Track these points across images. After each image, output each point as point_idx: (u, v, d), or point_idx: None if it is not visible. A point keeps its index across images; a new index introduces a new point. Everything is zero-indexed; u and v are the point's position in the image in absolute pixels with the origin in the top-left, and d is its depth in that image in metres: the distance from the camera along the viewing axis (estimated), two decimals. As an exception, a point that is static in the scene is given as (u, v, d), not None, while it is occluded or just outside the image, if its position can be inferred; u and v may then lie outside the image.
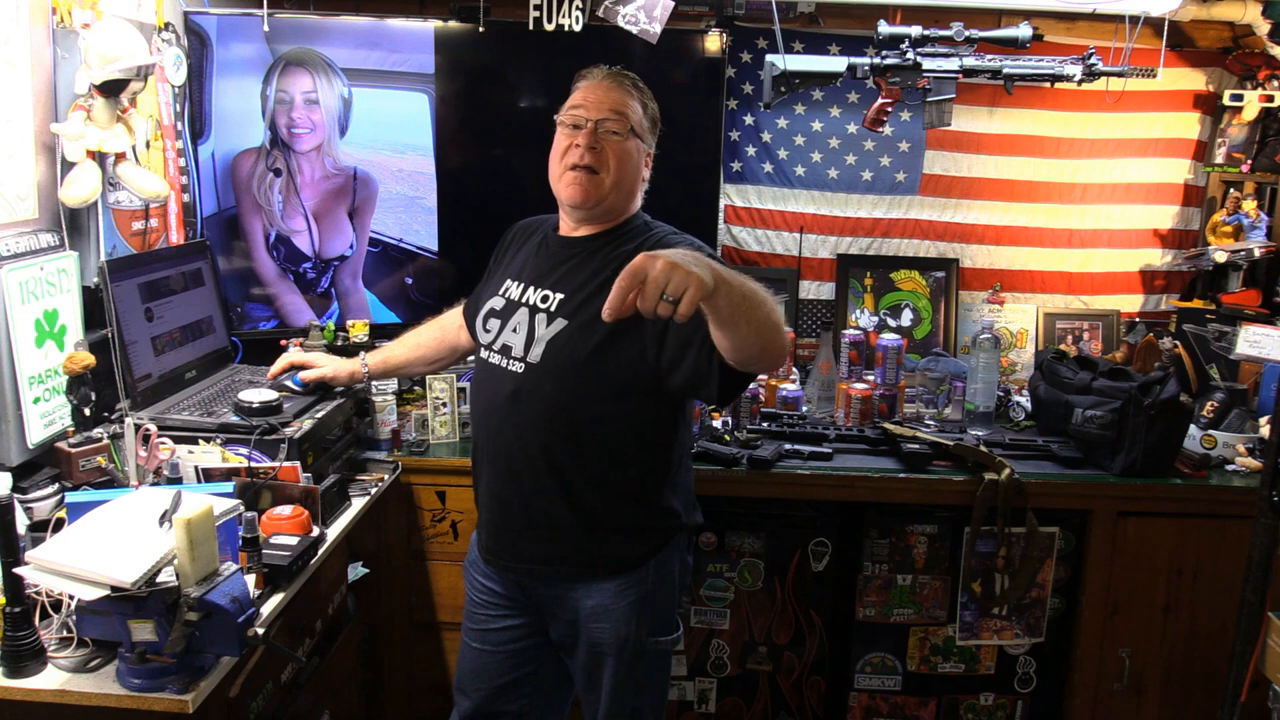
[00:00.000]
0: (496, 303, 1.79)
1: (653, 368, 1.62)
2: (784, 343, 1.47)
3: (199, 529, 1.37)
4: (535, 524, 1.72)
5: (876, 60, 2.56)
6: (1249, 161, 2.95)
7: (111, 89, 2.03)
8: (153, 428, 1.92)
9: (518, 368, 1.69)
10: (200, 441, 1.95)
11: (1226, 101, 2.91)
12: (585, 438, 1.67)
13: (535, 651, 1.85)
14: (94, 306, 2.04)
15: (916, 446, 2.35)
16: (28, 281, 1.87)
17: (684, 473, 1.82)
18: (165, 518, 1.46)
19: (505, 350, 1.72)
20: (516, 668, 1.84)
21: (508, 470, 1.73)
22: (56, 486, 1.82)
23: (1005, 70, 2.55)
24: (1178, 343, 2.82)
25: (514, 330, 1.72)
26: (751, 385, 2.38)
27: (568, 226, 1.79)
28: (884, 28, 2.53)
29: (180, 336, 2.23)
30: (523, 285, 1.76)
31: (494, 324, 1.77)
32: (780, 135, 3.02)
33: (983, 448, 2.36)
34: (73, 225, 2.06)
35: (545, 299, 1.71)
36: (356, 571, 2.19)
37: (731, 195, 3.05)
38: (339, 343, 2.65)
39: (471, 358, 2.57)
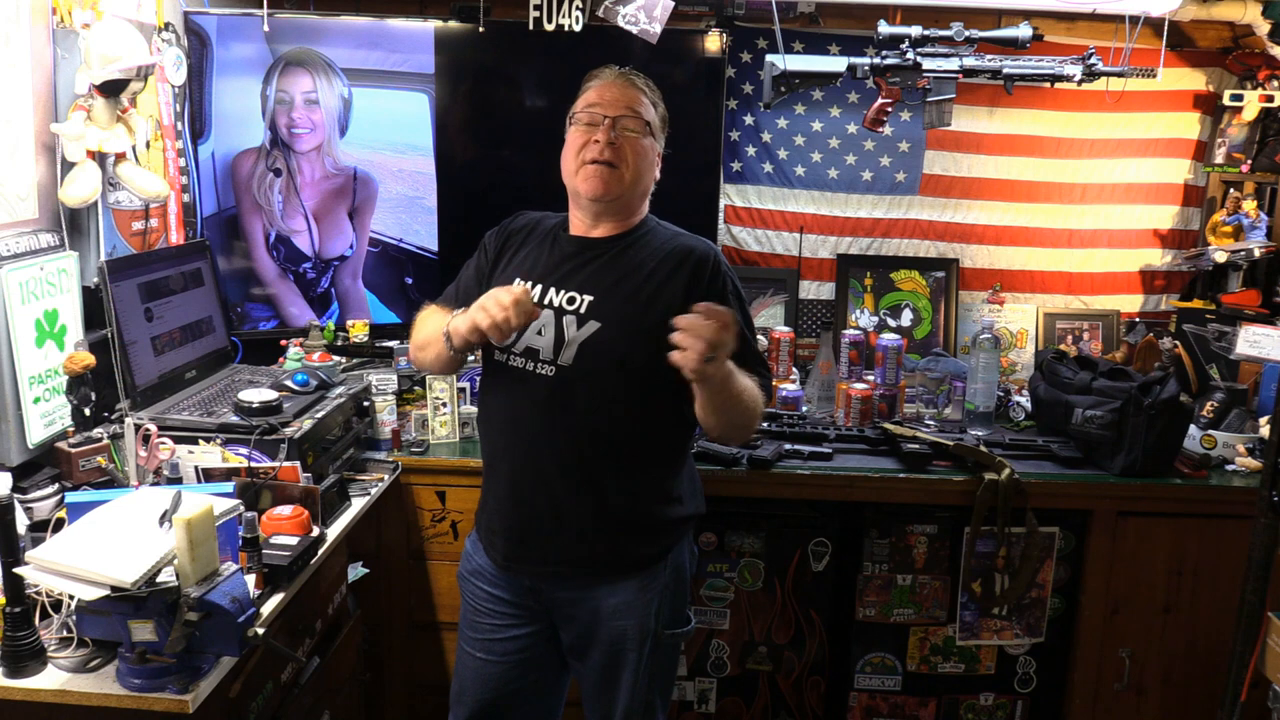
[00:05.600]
0: None
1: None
2: (747, 433, 1.77)
3: (199, 529, 1.37)
4: (564, 527, 1.70)
5: (876, 60, 2.56)
6: (1249, 161, 2.94)
7: (111, 89, 2.03)
8: (153, 428, 1.92)
9: (548, 370, 1.66)
10: (200, 441, 1.95)
11: (1226, 101, 2.91)
12: (618, 437, 1.66)
13: (540, 660, 1.83)
14: (94, 306, 2.04)
15: (916, 446, 2.35)
16: (28, 281, 1.88)
17: (690, 460, 1.84)
18: (165, 518, 1.46)
19: (531, 354, 1.68)
20: (521, 676, 1.82)
21: (536, 474, 1.70)
22: (56, 486, 1.82)
23: (1005, 70, 2.55)
24: (1178, 343, 2.82)
25: (538, 333, 1.68)
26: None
27: (582, 226, 1.76)
28: (884, 28, 2.53)
29: (180, 336, 2.23)
30: (540, 287, 1.72)
31: None
32: (780, 135, 3.02)
33: (983, 448, 2.36)
34: (73, 225, 2.06)
35: (572, 300, 1.69)
36: (356, 571, 2.19)
37: (731, 195, 3.05)
38: (339, 343, 2.65)
39: (471, 360, 2.56)
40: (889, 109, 2.61)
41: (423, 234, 2.76)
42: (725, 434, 1.72)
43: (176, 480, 1.86)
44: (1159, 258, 3.11)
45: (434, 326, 1.75)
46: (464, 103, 2.73)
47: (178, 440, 1.94)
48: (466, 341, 1.62)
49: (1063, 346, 2.97)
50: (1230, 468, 2.41)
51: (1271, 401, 2.53)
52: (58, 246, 2.00)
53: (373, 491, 2.16)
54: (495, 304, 1.54)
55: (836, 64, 2.57)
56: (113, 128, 2.06)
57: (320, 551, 1.81)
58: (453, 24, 2.66)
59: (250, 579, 1.57)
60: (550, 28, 2.50)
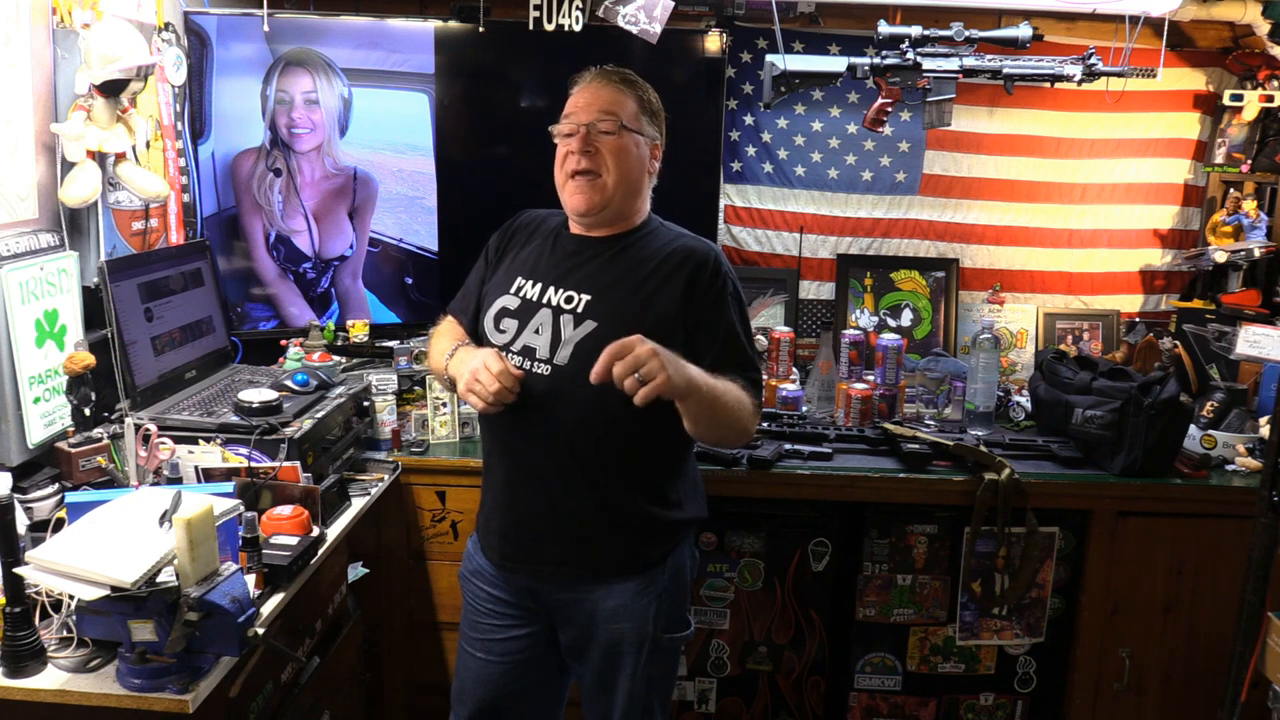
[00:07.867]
0: (510, 302, 1.74)
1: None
2: (744, 436, 1.72)
3: (199, 529, 1.37)
4: (560, 528, 1.70)
5: (876, 60, 2.57)
6: (1249, 161, 2.95)
7: (111, 89, 2.03)
8: (153, 428, 1.92)
9: (544, 370, 1.65)
10: (200, 441, 1.95)
11: (1226, 101, 2.91)
12: (613, 438, 1.65)
13: (540, 660, 1.83)
14: (94, 306, 2.04)
15: (916, 446, 2.35)
16: (28, 281, 1.88)
17: (692, 465, 1.83)
18: (165, 518, 1.46)
19: (528, 352, 1.67)
20: (521, 677, 1.82)
21: (532, 474, 1.70)
22: (56, 486, 1.82)
23: (1005, 70, 2.55)
24: (1178, 343, 2.82)
25: (536, 332, 1.68)
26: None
27: (581, 226, 1.77)
28: (884, 28, 2.53)
29: (180, 336, 2.23)
30: (540, 285, 1.72)
31: (510, 324, 1.72)
32: (780, 135, 3.02)
33: (983, 448, 2.36)
34: (73, 225, 2.06)
35: (570, 300, 1.68)
36: (356, 571, 2.19)
37: (731, 195, 3.05)
38: (339, 343, 2.65)
39: None
40: (889, 109, 2.61)
41: (423, 234, 2.76)
42: (716, 440, 1.73)
43: (176, 480, 1.86)
44: (1159, 258, 3.11)
45: (442, 350, 1.77)
46: (464, 103, 2.73)
47: (178, 440, 1.94)
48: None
49: (1063, 346, 2.97)
50: (1230, 468, 2.41)
51: (1271, 401, 2.53)
52: (58, 246, 2.00)
53: (373, 491, 2.16)
54: (481, 388, 1.58)
55: (836, 64, 2.57)
56: (113, 128, 2.06)
57: (320, 551, 1.81)
58: (453, 24, 2.66)
59: (250, 579, 1.57)
60: (550, 28, 2.50)
